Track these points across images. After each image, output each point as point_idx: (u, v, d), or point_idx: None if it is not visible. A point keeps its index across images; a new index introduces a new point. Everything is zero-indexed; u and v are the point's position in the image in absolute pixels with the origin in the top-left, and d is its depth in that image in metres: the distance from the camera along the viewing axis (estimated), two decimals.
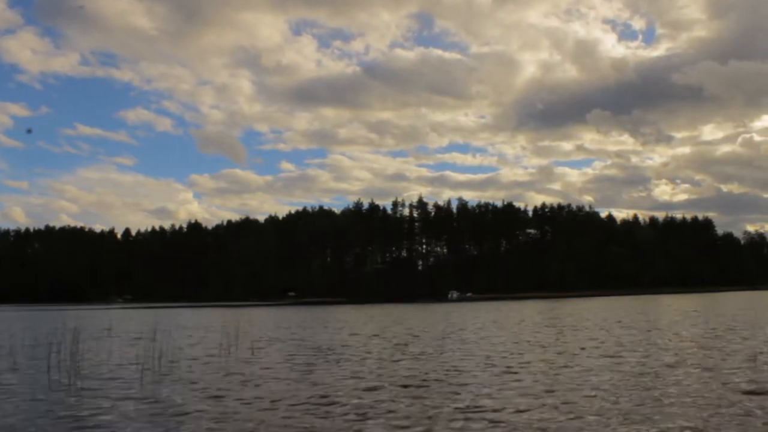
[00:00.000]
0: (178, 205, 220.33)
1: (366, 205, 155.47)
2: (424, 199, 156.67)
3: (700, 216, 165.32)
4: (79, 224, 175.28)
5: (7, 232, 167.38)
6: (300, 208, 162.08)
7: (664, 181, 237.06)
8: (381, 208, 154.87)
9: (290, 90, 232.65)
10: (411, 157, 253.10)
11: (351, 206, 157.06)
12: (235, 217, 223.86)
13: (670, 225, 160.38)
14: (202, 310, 71.78)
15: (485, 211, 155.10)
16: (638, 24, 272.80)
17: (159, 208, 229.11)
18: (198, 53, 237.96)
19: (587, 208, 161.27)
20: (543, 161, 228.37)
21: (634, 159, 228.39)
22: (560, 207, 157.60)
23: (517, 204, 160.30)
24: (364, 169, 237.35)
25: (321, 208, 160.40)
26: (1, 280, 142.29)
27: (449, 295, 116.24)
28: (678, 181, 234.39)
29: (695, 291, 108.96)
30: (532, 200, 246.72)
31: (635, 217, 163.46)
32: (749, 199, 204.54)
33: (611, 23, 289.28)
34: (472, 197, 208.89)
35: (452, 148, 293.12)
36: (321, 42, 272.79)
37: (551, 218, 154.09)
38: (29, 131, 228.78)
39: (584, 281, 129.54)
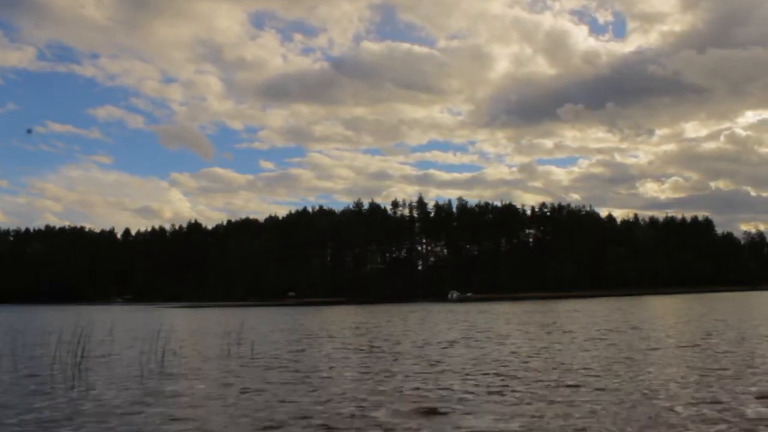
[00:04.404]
0: (163, 204, 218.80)
1: (366, 205, 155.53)
2: (423, 200, 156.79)
3: (697, 215, 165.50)
4: (66, 223, 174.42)
5: (6, 232, 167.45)
6: (300, 208, 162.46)
7: (650, 179, 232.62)
8: (381, 207, 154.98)
9: (260, 86, 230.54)
10: (390, 155, 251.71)
11: (351, 206, 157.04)
12: (221, 215, 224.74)
13: (670, 225, 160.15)
14: (197, 310, 71.66)
15: (485, 210, 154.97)
16: (606, 16, 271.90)
17: (143, 206, 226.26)
18: (157, 46, 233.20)
19: (587, 208, 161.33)
20: (525, 159, 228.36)
21: (618, 157, 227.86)
22: (560, 207, 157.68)
23: (514, 203, 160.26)
24: (345, 167, 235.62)
25: (321, 207, 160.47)
26: (1, 280, 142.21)
27: (449, 295, 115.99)
28: (663, 179, 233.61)
29: (695, 291, 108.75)
30: (519, 199, 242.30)
31: (635, 217, 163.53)
32: (740, 196, 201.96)
33: (578, 14, 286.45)
34: (459, 196, 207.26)
35: (432, 146, 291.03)
36: (283, 36, 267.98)
37: (550, 218, 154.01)
38: (29, 131, 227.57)
39: (584, 281, 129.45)
